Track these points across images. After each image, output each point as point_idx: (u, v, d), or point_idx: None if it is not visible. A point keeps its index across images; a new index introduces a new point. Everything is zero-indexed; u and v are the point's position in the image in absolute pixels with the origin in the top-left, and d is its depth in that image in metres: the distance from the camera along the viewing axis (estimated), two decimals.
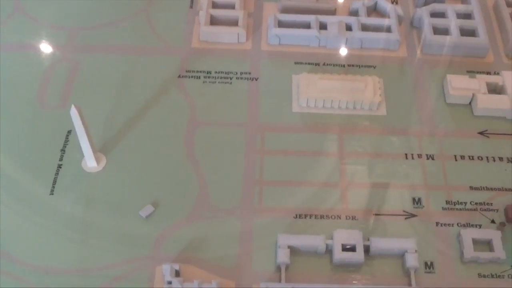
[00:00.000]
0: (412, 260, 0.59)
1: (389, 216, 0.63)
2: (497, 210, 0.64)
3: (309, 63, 0.73)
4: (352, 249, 0.60)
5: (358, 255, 0.59)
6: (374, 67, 0.73)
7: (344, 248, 0.60)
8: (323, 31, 0.73)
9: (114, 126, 0.68)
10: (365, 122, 0.69)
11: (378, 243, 0.60)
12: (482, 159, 0.67)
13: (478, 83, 0.71)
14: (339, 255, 0.59)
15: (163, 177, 0.64)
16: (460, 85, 0.70)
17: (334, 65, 0.73)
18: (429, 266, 0.60)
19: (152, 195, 0.63)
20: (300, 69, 0.72)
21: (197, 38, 0.75)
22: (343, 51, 0.74)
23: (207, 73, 0.72)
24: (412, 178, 0.65)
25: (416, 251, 0.60)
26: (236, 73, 0.72)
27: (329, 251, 0.60)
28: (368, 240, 0.60)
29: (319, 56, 0.74)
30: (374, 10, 0.78)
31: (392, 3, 0.78)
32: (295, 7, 0.76)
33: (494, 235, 0.62)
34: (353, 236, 0.60)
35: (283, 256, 0.59)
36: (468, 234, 0.62)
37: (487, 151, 0.68)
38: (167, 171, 0.65)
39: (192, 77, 0.72)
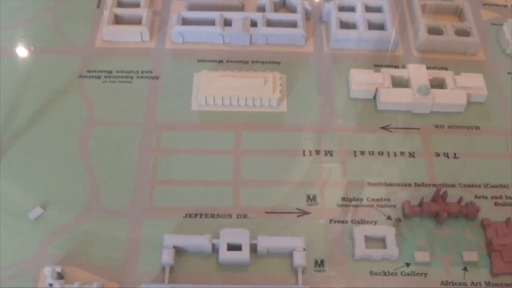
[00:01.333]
0: (299, 259, 0.58)
1: (282, 214, 0.61)
2: (395, 206, 0.62)
3: (212, 61, 0.72)
4: (239, 248, 0.59)
5: (243, 255, 0.58)
6: (279, 63, 0.72)
7: (231, 248, 0.59)
8: (227, 28, 0.72)
9: (11, 128, 0.66)
10: (264, 119, 0.67)
11: (266, 242, 0.58)
12: (382, 154, 0.66)
13: (382, 77, 0.69)
14: (224, 255, 0.58)
15: (56, 179, 0.63)
16: (363, 80, 0.69)
17: (237, 62, 0.72)
18: (319, 264, 0.58)
19: (43, 197, 0.62)
20: (203, 67, 0.71)
21: (101, 38, 0.74)
22: (248, 48, 0.73)
23: (108, 72, 0.71)
24: (308, 175, 0.64)
25: (304, 249, 0.58)
26: (137, 72, 0.71)
27: (216, 250, 0.58)
28: (256, 239, 0.60)
29: (223, 53, 0.72)
30: (283, 6, 0.76)
31: None
32: (203, 4, 0.74)
33: (388, 231, 0.60)
34: (240, 235, 0.58)
35: (167, 257, 0.58)
36: (361, 231, 0.60)
37: (388, 146, 0.66)
38: (60, 173, 0.63)
39: (92, 77, 0.70)
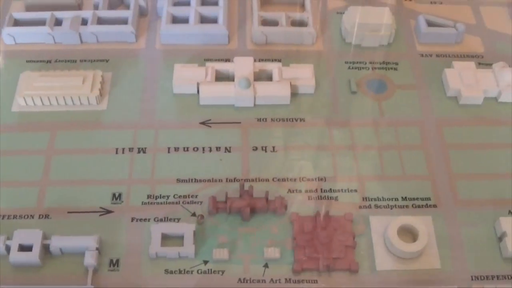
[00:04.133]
0: (89, 258, 0.56)
1: (84, 214, 0.60)
2: (201, 203, 0.61)
3: (41, 61, 0.71)
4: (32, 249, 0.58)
5: (33, 255, 0.56)
6: (107, 61, 0.71)
7: (24, 248, 0.58)
8: (56, 28, 0.71)
9: None
10: (82, 118, 0.66)
11: (58, 242, 0.57)
12: (197, 149, 0.64)
13: (206, 72, 0.68)
14: (14, 256, 0.57)
15: None
16: (185, 75, 0.67)
17: (66, 62, 0.71)
18: (114, 263, 0.57)
19: None
20: (31, 68, 0.70)
21: None
22: (78, 47, 0.72)
23: None
24: (117, 173, 0.63)
25: (97, 248, 0.57)
26: None
27: None
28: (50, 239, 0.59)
29: (52, 53, 0.72)
30: (122, 3, 0.76)
31: None
32: (40, 4, 0.74)
33: (186, 229, 0.59)
34: (32, 236, 0.57)
35: None
36: (158, 229, 0.59)
37: (205, 141, 0.65)
38: None
39: None
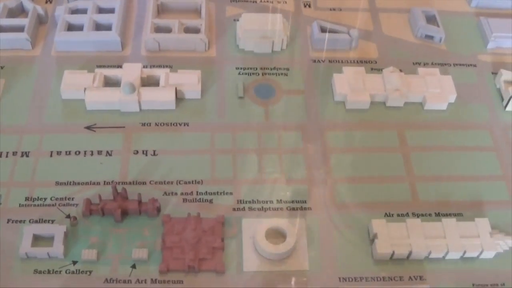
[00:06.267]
0: None
1: None
2: (77, 205, 0.62)
3: None
4: None
5: None
6: (2, 68, 0.72)
7: None
8: None
9: None
10: None
11: None
12: (79, 153, 0.66)
13: (94, 78, 0.69)
14: None
15: None
16: (73, 81, 0.69)
17: None
18: None
19: None
20: None
21: None
22: None
23: None
24: None
25: None
26: None
27: None
28: None
29: None
30: (23, 11, 0.77)
31: (47, 2, 0.79)
32: None
33: (56, 230, 0.60)
34: None
35: None
36: (30, 230, 0.60)
37: (88, 145, 0.66)
38: None
39: None
